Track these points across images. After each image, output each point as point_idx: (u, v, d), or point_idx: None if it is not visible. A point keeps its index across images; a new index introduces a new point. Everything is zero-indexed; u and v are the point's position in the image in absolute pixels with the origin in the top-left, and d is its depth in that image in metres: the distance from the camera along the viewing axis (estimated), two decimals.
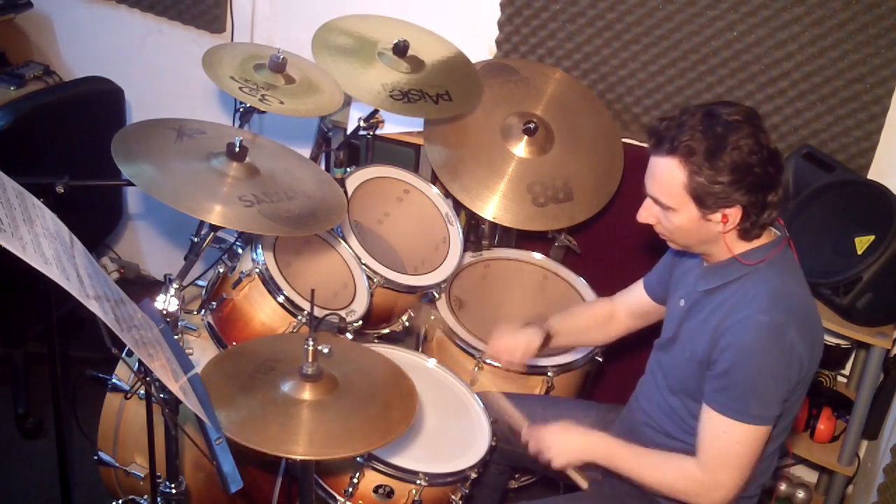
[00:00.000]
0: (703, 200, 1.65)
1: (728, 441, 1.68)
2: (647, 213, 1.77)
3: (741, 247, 1.73)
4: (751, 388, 1.66)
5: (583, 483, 1.93)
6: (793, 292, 1.72)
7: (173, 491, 1.76)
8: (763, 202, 1.67)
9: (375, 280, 2.24)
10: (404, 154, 2.76)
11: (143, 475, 2.07)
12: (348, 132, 2.61)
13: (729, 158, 1.61)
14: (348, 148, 2.51)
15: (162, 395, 1.53)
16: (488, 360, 2.30)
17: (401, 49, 2.44)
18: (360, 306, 2.17)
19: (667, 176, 1.67)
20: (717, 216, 1.67)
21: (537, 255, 2.67)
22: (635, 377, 2.05)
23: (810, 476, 2.79)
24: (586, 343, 2.33)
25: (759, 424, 1.67)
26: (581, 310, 2.27)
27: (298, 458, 1.47)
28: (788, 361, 1.65)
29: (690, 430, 1.83)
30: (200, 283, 2.35)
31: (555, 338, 2.17)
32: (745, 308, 1.68)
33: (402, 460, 1.92)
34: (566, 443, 1.90)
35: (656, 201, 1.72)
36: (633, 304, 2.14)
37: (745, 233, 1.71)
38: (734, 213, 1.66)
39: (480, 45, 2.83)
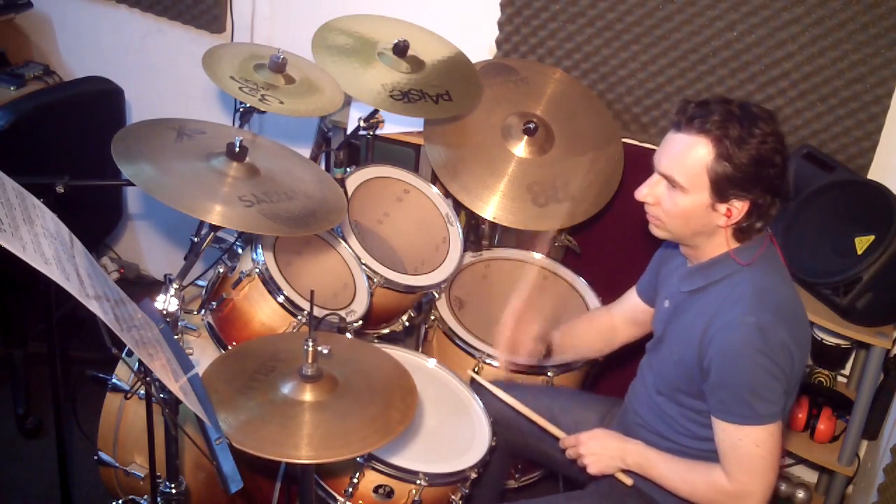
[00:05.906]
0: (720, 187, 1.63)
1: (747, 447, 1.67)
2: (649, 191, 1.72)
3: (734, 245, 1.73)
4: (749, 390, 1.65)
5: (627, 481, 1.91)
6: (777, 290, 1.72)
7: (173, 491, 1.75)
8: (768, 205, 1.67)
9: (375, 280, 2.24)
10: (404, 154, 2.76)
11: (143, 475, 2.07)
12: (348, 132, 2.61)
13: (755, 150, 1.61)
14: (348, 148, 2.51)
15: (162, 395, 1.53)
16: (488, 361, 2.30)
17: (401, 49, 2.44)
18: (360, 306, 2.17)
19: (690, 154, 1.64)
20: (724, 208, 1.66)
21: (537, 255, 2.67)
22: (634, 377, 2.05)
23: (810, 476, 2.79)
24: (590, 355, 2.30)
25: (770, 423, 1.67)
26: (582, 323, 2.24)
27: (299, 462, 1.47)
28: (778, 357, 1.65)
29: (682, 431, 1.84)
30: (200, 283, 2.34)
31: (557, 352, 2.18)
32: (730, 310, 1.68)
33: (402, 460, 1.92)
34: (603, 449, 1.89)
35: (669, 179, 1.68)
36: (628, 311, 2.13)
37: (741, 232, 1.70)
38: (741, 208, 1.66)
39: (480, 45, 2.82)
